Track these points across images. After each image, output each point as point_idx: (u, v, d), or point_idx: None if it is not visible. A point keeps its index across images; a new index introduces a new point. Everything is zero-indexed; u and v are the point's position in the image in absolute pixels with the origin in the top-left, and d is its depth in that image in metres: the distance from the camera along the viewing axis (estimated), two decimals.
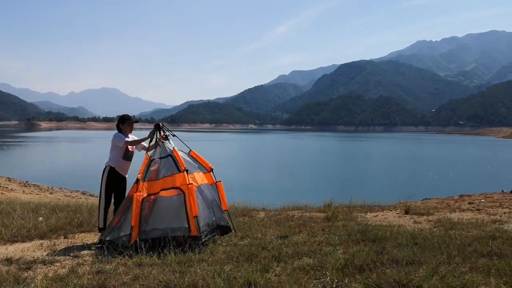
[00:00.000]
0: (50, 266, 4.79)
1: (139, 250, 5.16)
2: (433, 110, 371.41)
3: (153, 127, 6.25)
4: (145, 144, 6.43)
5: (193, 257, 4.92)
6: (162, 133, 6.31)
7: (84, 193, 23.07)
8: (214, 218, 6.01)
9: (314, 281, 4.01)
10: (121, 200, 6.31)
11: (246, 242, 5.74)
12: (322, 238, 5.93)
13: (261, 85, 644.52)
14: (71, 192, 22.93)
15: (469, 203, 11.96)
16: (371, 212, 9.03)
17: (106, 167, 6.39)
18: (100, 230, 6.25)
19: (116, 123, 6.56)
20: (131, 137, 6.50)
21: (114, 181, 6.35)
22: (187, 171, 5.71)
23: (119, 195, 6.41)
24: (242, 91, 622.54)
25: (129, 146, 6.40)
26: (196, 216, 5.44)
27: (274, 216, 8.34)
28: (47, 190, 22.74)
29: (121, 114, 6.92)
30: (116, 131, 6.47)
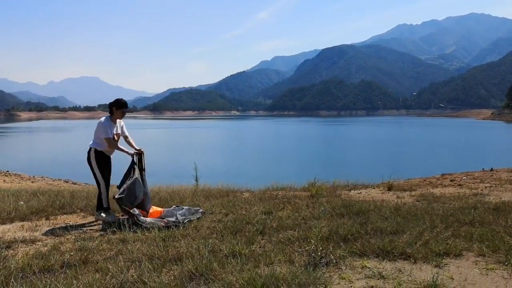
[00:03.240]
0: (31, 245, 4.71)
1: (122, 227, 5.11)
2: (414, 94, 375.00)
3: (134, 153, 6.20)
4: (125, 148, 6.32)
5: (177, 232, 4.91)
6: (142, 162, 6.26)
7: (66, 181, 22.75)
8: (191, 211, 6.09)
9: (299, 249, 4.02)
10: (109, 178, 6.27)
11: (230, 218, 5.73)
12: (306, 213, 5.94)
13: (244, 71, 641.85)
14: (53, 181, 22.59)
15: (451, 180, 12.12)
16: (354, 190, 9.08)
17: (91, 149, 6.18)
18: (105, 209, 6.14)
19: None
20: (119, 122, 6.33)
21: (102, 160, 6.19)
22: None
23: (108, 173, 6.30)
24: (224, 77, 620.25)
25: (114, 135, 6.23)
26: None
27: (259, 195, 8.33)
28: (29, 179, 22.37)
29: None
30: (105, 117, 6.22)
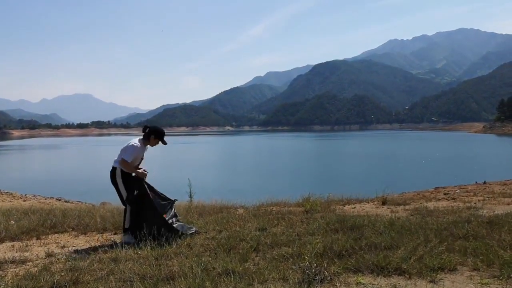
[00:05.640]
0: (21, 266, 4.64)
1: (113, 246, 5.05)
2: (406, 108, 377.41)
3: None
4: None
5: (169, 250, 4.85)
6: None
7: (59, 199, 22.53)
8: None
9: (293, 266, 3.98)
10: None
11: (224, 234, 5.67)
12: (300, 229, 5.91)
13: (237, 87, 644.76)
14: (45, 199, 22.35)
15: (445, 194, 12.15)
16: (349, 205, 9.07)
17: (115, 168, 5.80)
18: (126, 230, 5.84)
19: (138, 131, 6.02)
20: (146, 150, 6.18)
21: (130, 179, 5.86)
22: None
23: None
24: (218, 93, 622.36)
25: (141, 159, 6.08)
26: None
27: (253, 211, 8.27)
28: (21, 198, 22.11)
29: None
30: (139, 140, 5.96)
